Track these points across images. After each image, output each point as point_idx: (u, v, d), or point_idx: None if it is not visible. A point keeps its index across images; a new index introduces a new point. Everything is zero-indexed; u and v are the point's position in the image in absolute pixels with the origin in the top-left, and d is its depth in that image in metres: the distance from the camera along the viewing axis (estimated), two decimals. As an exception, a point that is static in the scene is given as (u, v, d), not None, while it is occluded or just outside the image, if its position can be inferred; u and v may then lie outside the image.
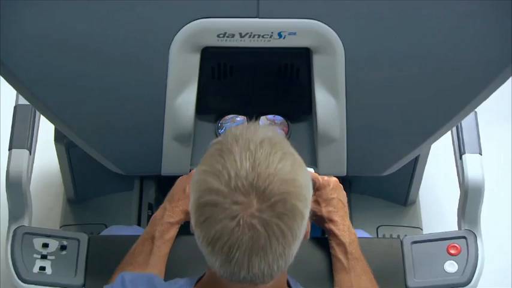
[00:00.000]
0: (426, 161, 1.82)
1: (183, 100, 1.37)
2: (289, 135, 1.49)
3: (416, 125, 1.42)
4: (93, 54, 1.30)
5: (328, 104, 1.37)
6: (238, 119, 1.52)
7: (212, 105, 1.49)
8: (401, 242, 1.45)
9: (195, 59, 1.33)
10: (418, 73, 1.33)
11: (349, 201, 1.40)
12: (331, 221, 1.34)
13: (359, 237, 1.36)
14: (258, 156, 0.97)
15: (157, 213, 1.36)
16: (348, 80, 1.34)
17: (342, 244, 1.33)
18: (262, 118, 1.52)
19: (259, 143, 0.98)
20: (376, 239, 1.71)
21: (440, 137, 1.45)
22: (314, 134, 1.46)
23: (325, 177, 1.37)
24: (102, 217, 1.94)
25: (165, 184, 1.55)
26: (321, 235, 1.46)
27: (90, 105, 1.37)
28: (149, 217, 1.75)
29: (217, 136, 1.48)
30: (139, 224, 1.84)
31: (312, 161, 1.48)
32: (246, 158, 0.96)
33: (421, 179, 1.90)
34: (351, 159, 1.45)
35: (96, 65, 1.32)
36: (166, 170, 1.47)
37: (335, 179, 1.37)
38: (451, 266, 1.44)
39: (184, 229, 1.33)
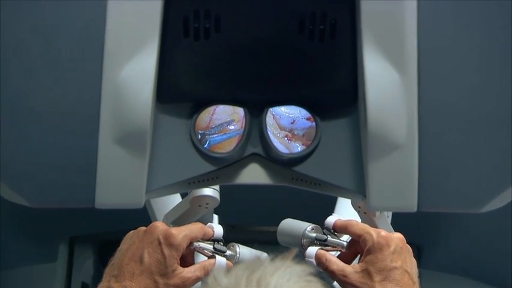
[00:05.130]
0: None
1: (133, 74, 1.33)
2: (318, 141, 1.42)
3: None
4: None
5: (386, 82, 1.33)
6: (232, 127, 1.44)
7: (184, 85, 1.43)
8: None
9: (155, 1, 1.31)
10: None
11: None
12: (389, 305, 1.34)
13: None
14: None
15: None
16: (422, 41, 1.31)
17: None
18: (270, 119, 1.43)
19: None
20: None
21: None
22: (362, 138, 1.40)
23: (382, 233, 1.36)
24: (4, 305, 1.86)
25: (111, 250, 1.52)
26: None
27: None
28: (82, 306, 1.95)
29: (193, 143, 1.42)
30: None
31: (357, 185, 1.40)
32: None
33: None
34: (425, 183, 1.36)
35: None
36: (103, 198, 1.38)
37: (399, 235, 1.37)
38: None
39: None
